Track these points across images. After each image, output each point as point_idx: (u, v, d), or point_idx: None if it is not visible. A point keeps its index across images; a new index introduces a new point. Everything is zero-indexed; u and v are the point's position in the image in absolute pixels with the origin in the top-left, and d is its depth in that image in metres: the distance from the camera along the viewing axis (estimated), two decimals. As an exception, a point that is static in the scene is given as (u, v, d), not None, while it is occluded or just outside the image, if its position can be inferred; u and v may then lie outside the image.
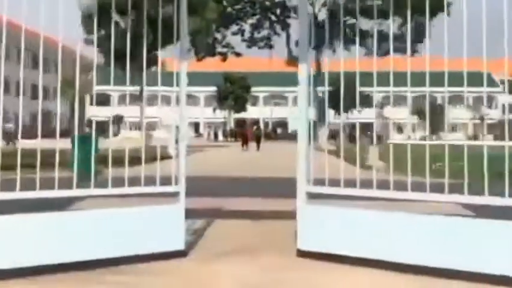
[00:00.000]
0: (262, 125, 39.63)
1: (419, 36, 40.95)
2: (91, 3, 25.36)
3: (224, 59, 41.63)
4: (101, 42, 24.20)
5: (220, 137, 69.92)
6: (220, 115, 74.33)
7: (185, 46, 5.42)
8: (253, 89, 73.76)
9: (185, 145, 5.33)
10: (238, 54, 42.12)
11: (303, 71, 5.36)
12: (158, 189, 5.14)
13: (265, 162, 23.24)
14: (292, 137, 65.84)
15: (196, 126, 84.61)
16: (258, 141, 35.10)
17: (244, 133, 37.11)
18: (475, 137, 58.97)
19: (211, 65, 51.14)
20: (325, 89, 5.35)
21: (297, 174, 5.31)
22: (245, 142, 34.80)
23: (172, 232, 5.10)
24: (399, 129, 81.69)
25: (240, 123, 73.29)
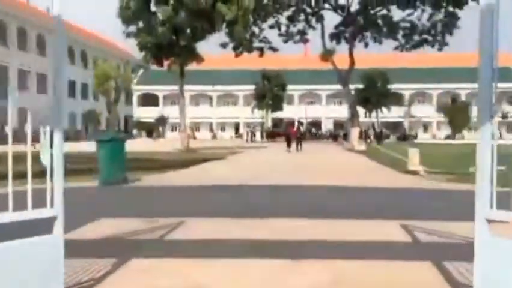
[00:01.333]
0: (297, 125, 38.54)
1: (448, 28, 39.30)
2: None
3: (261, 54, 41.20)
4: (138, 34, 23.97)
5: (258, 137, 66.57)
6: (258, 114, 73.53)
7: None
8: (288, 87, 72.70)
9: (62, 153, 3.84)
10: (275, 50, 41.74)
11: (486, 65, 3.91)
12: (30, 214, 3.67)
13: (318, 165, 20.42)
14: (325, 137, 65.64)
15: (236, 126, 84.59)
16: (299, 142, 35.09)
17: (288, 134, 37.11)
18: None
19: (244, 61, 51.09)
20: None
21: (475, 195, 4.10)
22: (289, 143, 34.88)
23: (47, 274, 3.69)
24: (425, 127, 79.90)
25: (277, 123, 72.50)
